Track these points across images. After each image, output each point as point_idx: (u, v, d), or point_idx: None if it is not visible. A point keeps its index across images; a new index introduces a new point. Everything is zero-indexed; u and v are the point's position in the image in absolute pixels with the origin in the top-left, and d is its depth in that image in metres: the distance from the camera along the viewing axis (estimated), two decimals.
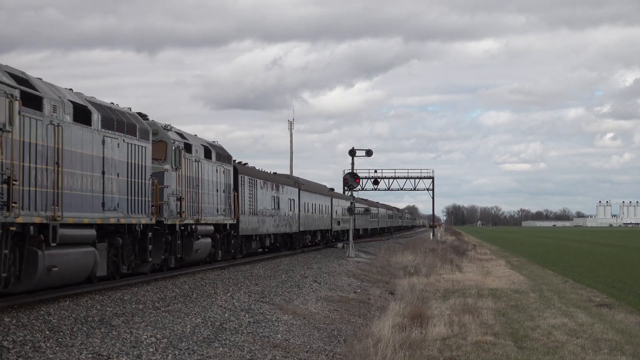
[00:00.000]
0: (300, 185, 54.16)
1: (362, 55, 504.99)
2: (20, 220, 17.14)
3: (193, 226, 29.58)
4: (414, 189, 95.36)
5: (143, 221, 24.36)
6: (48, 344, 13.78)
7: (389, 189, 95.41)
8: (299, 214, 52.19)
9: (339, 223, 68.84)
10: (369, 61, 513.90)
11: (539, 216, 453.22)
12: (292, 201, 50.33)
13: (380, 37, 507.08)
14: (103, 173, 21.79)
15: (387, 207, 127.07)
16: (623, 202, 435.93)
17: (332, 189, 70.94)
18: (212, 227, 32.18)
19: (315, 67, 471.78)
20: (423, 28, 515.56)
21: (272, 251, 47.01)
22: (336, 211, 68.03)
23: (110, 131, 22.35)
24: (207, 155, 32.03)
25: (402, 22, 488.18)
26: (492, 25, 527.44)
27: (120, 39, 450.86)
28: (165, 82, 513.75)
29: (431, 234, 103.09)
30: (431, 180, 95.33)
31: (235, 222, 35.74)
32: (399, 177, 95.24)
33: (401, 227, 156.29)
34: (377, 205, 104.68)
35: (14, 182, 16.70)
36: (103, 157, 21.78)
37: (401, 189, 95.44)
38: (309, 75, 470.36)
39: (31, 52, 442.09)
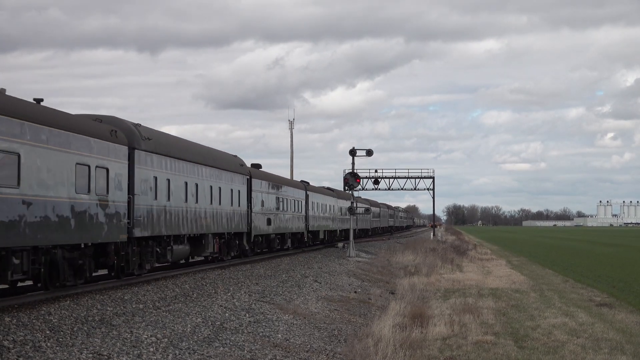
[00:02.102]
0: (139, 141, 25.66)
1: (363, 55, 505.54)
2: None
3: None
4: (415, 189, 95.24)
5: None
6: (48, 344, 13.78)
7: (389, 189, 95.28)
8: (132, 200, 24.96)
9: (269, 222, 43.66)
10: (370, 61, 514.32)
11: (539, 216, 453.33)
12: (113, 178, 23.53)
13: (381, 37, 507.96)
14: None
15: (373, 204, 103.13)
16: (623, 201, 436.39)
17: (258, 166, 45.69)
18: None
19: (317, 67, 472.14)
20: (424, 28, 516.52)
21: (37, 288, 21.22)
22: (262, 202, 42.45)
23: None
24: None
25: (404, 22, 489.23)
26: (493, 25, 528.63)
27: (122, 39, 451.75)
28: (166, 82, 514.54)
29: (432, 233, 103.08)
30: (431, 180, 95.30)
31: None
32: (399, 177, 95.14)
33: (392, 228, 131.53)
34: (355, 199, 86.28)
35: None
36: None
37: (401, 189, 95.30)
38: (310, 75, 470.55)
39: (33, 52, 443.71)
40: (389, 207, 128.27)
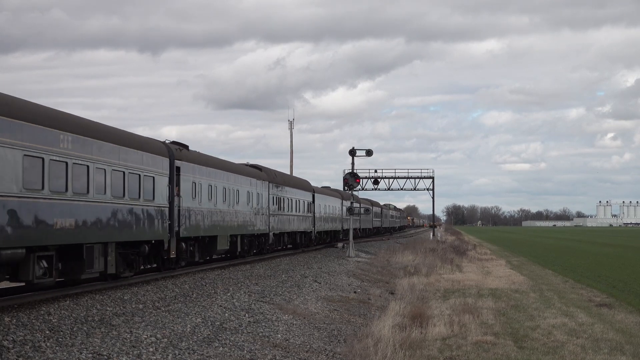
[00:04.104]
0: None
1: (364, 56, 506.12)
2: None
3: None
4: (414, 189, 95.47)
5: None
6: (48, 344, 13.78)
7: (389, 189, 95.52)
8: None
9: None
10: (371, 62, 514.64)
11: (539, 216, 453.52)
12: None
13: (382, 37, 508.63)
14: None
15: (347, 198, 68.28)
16: (623, 202, 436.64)
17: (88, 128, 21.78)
18: None
19: (318, 67, 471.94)
20: (425, 29, 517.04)
21: None
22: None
23: None
24: None
25: (405, 22, 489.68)
26: (494, 26, 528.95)
27: (124, 40, 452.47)
28: (167, 82, 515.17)
29: (431, 234, 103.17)
30: (431, 180, 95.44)
31: None
32: (399, 177, 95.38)
33: (380, 229, 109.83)
34: (311, 189, 57.98)
35: None
36: None
37: (401, 189, 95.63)
38: (311, 75, 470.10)
39: (35, 52, 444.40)
40: (374, 203, 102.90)
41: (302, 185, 55.72)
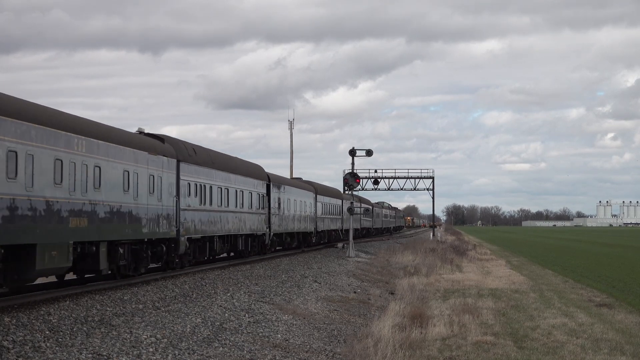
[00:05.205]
0: None
1: (365, 56, 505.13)
2: None
3: None
4: (414, 189, 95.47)
5: None
6: (48, 344, 13.78)
7: (389, 189, 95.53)
8: None
9: None
10: (372, 62, 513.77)
11: (539, 216, 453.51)
12: None
13: (383, 37, 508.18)
14: None
15: (322, 191, 61.09)
16: (623, 202, 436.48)
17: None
18: None
19: (319, 67, 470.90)
20: (426, 29, 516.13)
21: None
22: None
23: None
24: None
25: (406, 23, 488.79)
26: (495, 26, 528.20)
27: (124, 40, 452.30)
28: (168, 83, 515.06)
29: (431, 234, 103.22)
30: (431, 180, 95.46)
31: None
32: (399, 177, 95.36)
33: (370, 230, 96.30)
34: (264, 177, 43.54)
35: None
36: None
37: (401, 189, 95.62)
38: (312, 75, 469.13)
39: (36, 52, 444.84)
40: (362, 200, 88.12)
41: (248, 170, 40.17)
